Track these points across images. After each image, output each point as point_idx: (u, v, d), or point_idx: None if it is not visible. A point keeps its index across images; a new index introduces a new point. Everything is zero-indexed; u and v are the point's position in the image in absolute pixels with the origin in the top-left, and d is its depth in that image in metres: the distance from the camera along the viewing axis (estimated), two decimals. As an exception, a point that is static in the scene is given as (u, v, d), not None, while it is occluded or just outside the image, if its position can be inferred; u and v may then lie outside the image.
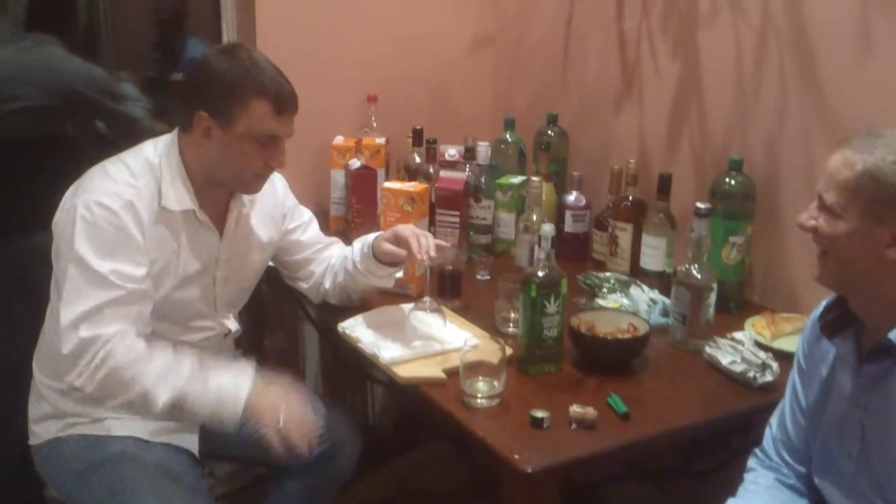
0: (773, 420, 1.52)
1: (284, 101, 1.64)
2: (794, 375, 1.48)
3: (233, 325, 1.86)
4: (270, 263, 1.96)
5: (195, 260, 1.72)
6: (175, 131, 1.71)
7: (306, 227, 1.98)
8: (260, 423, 1.63)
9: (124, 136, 2.80)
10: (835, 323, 1.35)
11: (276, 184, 1.91)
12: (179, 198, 1.67)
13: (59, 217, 1.66)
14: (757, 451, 1.54)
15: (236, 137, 1.63)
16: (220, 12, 2.59)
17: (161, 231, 1.66)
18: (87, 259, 1.57)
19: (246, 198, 1.80)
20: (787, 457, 1.49)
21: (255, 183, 1.74)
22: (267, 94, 1.61)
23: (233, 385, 1.63)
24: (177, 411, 1.60)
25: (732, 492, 1.50)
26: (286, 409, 1.63)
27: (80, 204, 1.60)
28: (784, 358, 1.63)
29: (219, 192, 1.75)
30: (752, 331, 1.81)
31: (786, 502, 1.45)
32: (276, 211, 1.90)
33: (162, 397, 1.57)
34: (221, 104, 1.62)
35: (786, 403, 1.50)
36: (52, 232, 1.67)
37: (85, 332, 1.56)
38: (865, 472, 1.31)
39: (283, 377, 1.71)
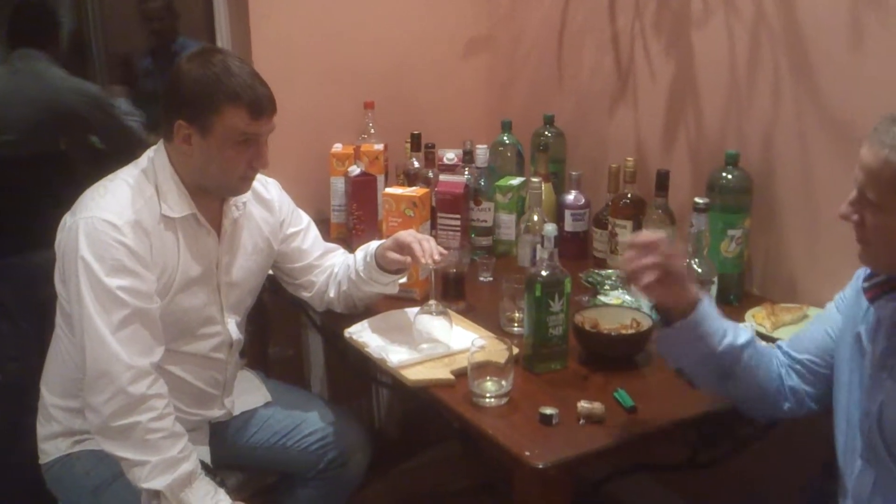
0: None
1: (259, 105, 1.63)
2: (831, 310, 1.48)
3: (236, 333, 1.85)
4: (271, 272, 1.97)
5: (196, 263, 1.73)
6: (161, 142, 1.72)
7: (306, 233, 1.97)
8: None
9: (119, 149, 2.82)
10: (878, 286, 1.35)
11: (271, 189, 1.92)
12: (178, 204, 1.68)
13: (61, 237, 1.64)
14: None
15: (215, 143, 1.63)
16: (213, 25, 2.59)
17: (164, 239, 1.67)
18: (97, 275, 1.57)
19: (239, 201, 1.80)
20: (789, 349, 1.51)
21: (240, 186, 1.73)
22: (240, 100, 1.61)
23: None
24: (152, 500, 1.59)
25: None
26: None
27: (82, 221, 1.59)
28: (785, 348, 1.64)
29: (211, 196, 1.75)
30: (753, 322, 1.83)
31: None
32: (273, 217, 1.90)
33: (155, 483, 1.56)
34: (197, 112, 1.61)
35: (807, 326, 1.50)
36: (55, 253, 1.66)
37: (139, 361, 1.58)
38: (880, 430, 1.32)
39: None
